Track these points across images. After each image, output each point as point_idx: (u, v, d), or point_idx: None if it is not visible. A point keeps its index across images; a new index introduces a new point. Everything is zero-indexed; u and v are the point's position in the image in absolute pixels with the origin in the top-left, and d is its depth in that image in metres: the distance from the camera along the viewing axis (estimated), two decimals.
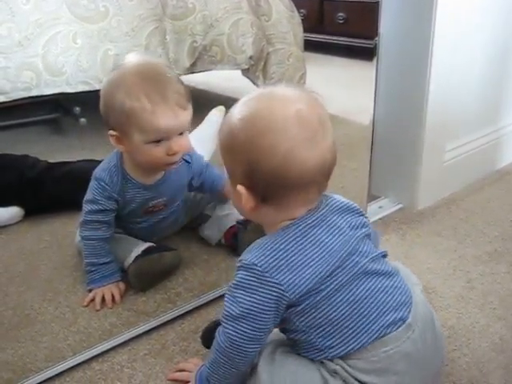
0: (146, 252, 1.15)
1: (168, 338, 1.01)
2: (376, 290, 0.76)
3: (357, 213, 0.82)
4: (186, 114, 1.06)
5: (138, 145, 1.04)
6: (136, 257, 1.14)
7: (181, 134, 1.07)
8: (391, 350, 0.74)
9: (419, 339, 0.76)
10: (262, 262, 0.71)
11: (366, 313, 0.74)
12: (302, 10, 3.44)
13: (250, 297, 0.72)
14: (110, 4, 1.84)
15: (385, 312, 0.75)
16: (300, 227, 0.74)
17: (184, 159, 1.18)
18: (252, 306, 0.72)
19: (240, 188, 0.74)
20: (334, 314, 0.74)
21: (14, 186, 1.42)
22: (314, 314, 0.74)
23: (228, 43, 2.12)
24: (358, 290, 0.75)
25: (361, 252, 0.77)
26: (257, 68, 2.28)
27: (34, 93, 1.79)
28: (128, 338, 1.01)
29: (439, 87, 1.38)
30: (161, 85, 1.02)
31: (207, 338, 0.94)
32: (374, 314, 0.74)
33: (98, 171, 1.13)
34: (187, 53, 2.04)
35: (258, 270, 0.71)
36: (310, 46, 2.79)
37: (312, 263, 0.72)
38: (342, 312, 0.74)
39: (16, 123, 2.05)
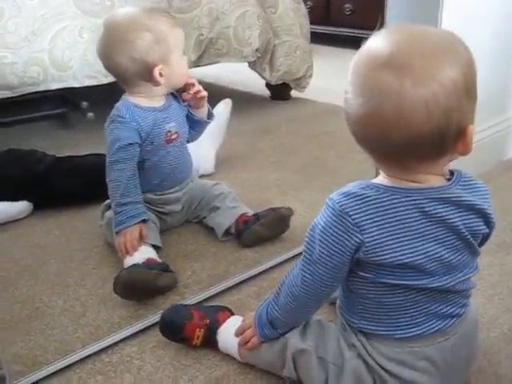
0: (145, 264, 1.11)
1: None
2: (438, 301, 0.74)
3: (481, 218, 0.74)
4: None
5: (178, 61, 1.21)
6: (134, 264, 1.11)
7: None
8: (416, 347, 0.74)
9: (450, 349, 0.76)
10: (356, 216, 0.68)
11: (415, 314, 0.74)
12: (308, 2, 3.44)
13: (334, 246, 0.70)
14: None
15: (431, 319, 0.74)
16: (410, 198, 0.68)
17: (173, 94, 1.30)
18: (334, 254, 0.70)
19: None
20: (387, 300, 0.73)
21: (22, 180, 1.43)
22: (369, 288, 0.73)
23: (234, 36, 2.12)
24: (422, 297, 0.73)
25: (459, 269, 0.74)
26: (263, 60, 2.28)
27: (41, 88, 1.80)
28: (137, 330, 1.01)
29: None
30: (162, 13, 1.22)
31: (166, 324, 0.95)
32: (421, 319, 0.74)
33: (111, 116, 1.20)
34: (194, 46, 2.04)
35: (349, 222, 0.68)
36: (316, 38, 2.78)
37: (400, 245, 0.69)
38: (395, 304, 0.73)
39: (23, 118, 2.05)
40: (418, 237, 0.69)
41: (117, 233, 1.17)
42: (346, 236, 0.69)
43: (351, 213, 0.68)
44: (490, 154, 1.65)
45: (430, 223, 0.69)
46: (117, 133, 1.18)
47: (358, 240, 0.68)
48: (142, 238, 1.16)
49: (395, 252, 0.69)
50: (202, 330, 0.93)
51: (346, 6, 3.44)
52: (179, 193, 1.31)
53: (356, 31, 3.28)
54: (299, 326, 0.83)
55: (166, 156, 1.26)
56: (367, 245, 0.68)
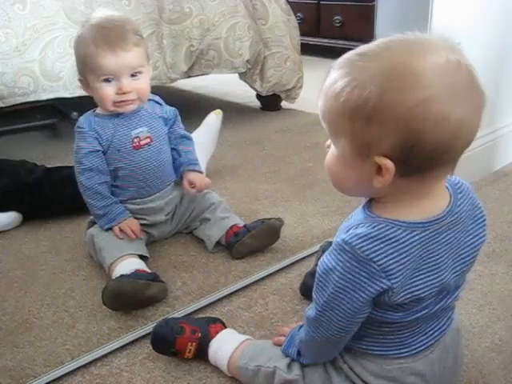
0: (134, 274, 1.10)
1: None
2: (430, 320, 0.73)
3: (481, 225, 0.72)
4: (128, 55, 1.16)
5: (93, 85, 1.18)
6: (122, 275, 1.10)
7: (134, 76, 1.18)
8: (405, 363, 0.73)
9: (437, 361, 0.75)
10: (382, 261, 0.63)
11: (409, 335, 0.72)
12: (298, 14, 3.47)
13: (355, 292, 0.65)
14: (107, 9, 1.85)
15: (422, 337, 0.73)
16: (428, 231, 0.65)
17: (154, 101, 1.30)
18: (356, 301, 0.65)
19: (385, 162, 0.60)
20: (384, 324, 0.71)
21: (12, 191, 1.42)
22: (369, 318, 0.70)
23: (225, 47, 2.13)
24: (418, 320, 0.71)
25: (456, 287, 0.73)
26: (254, 71, 2.29)
27: (32, 98, 1.79)
28: (127, 342, 1.00)
29: None
30: (106, 31, 1.16)
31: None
32: (413, 339, 0.73)
33: (74, 129, 1.24)
34: (184, 57, 2.05)
35: (375, 269, 0.63)
36: (306, 50, 2.80)
37: (418, 280, 0.66)
38: (391, 328, 0.71)
39: (13, 128, 2.05)
40: (435, 269, 0.67)
41: (108, 229, 1.21)
42: (369, 282, 0.64)
43: (376, 258, 0.62)
44: (477, 166, 1.66)
45: (443, 252, 0.67)
46: (78, 143, 1.21)
47: (384, 286, 0.64)
48: (136, 233, 1.21)
49: (413, 288, 0.66)
50: (194, 343, 0.92)
51: (336, 18, 3.48)
52: (161, 201, 1.30)
53: (346, 43, 3.31)
54: (322, 361, 0.79)
55: (137, 162, 1.24)
56: (395, 290, 0.64)
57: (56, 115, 2.12)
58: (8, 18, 1.73)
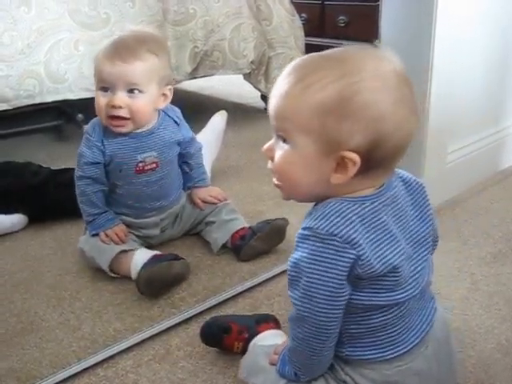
0: (154, 259, 1.13)
1: (172, 343, 1.01)
2: (415, 311, 0.73)
3: (423, 196, 0.76)
4: (126, 68, 1.11)
5: (97, 93, 1.15)
6: (144, 264, 1.12)
7: (131, 92, 1.12)
8: (404, 365, 0.73)
9: (433, 357, 0.75)
10: (343, 232, 0.64)
11: (400, 330, 0.72)
12: (302, 14, 3.45)
13: (327, 271, 0.64)
14: (112, 11, 1.86)
15: (413, 331, 0.73)
16: (376, 203, 0.67)
17: (173, 119, 1.25)
18: (331, 281, 0.65)
19: (353, 156, 0.63)
20: (373, 321, 0.70)
21: (17, 193, 1.43)
22: (356, 314, 0.70)
23: (229, 48, 2.13)
24: (404, 311, 0.71)
25: (424, 269, 0.73)
26: (258, 72, 2.29)
27: (37, 100, 1.80)
28: (132, 344, 1.01)
29: (441, 89, 1.38)
30: (119, 42, 1.14)
31: (206, 336, 0.97)
32: (405, 334, 0.72)
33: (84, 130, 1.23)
34: (189, 58, 2.05)
35: (338, 242, 0.64)
36: (311, 50, 2.79)
37: (382, 246, 0.67)
38: (381, 324, 0.70)
39: (19, 131, 2.06)
40: (393, 239, 0.68)
41: (95, 235, 1.21)
42: (337, 257, 0.64)
43: (336, 231, 0.64)
44: (484, 165, 1.66)
45: (393, 224, 0.69)
46: (82, 149, 1.19)
47: (351, 256, 0.64)
48: (122, 238, 1.21)
49: (384, 258, 0.66)
50: (241, 343, 0.92)
51: (340, 18, 3.46)
52: (157, 217, 1.29)
53: (350, 43, 3.30)
54: (318, 374, 0.77)
55: (137, 185, 1.22)
56: (362, 258, 0.64)
57: (61, 117, 2.13)
58: (13, 21, 1.73)
